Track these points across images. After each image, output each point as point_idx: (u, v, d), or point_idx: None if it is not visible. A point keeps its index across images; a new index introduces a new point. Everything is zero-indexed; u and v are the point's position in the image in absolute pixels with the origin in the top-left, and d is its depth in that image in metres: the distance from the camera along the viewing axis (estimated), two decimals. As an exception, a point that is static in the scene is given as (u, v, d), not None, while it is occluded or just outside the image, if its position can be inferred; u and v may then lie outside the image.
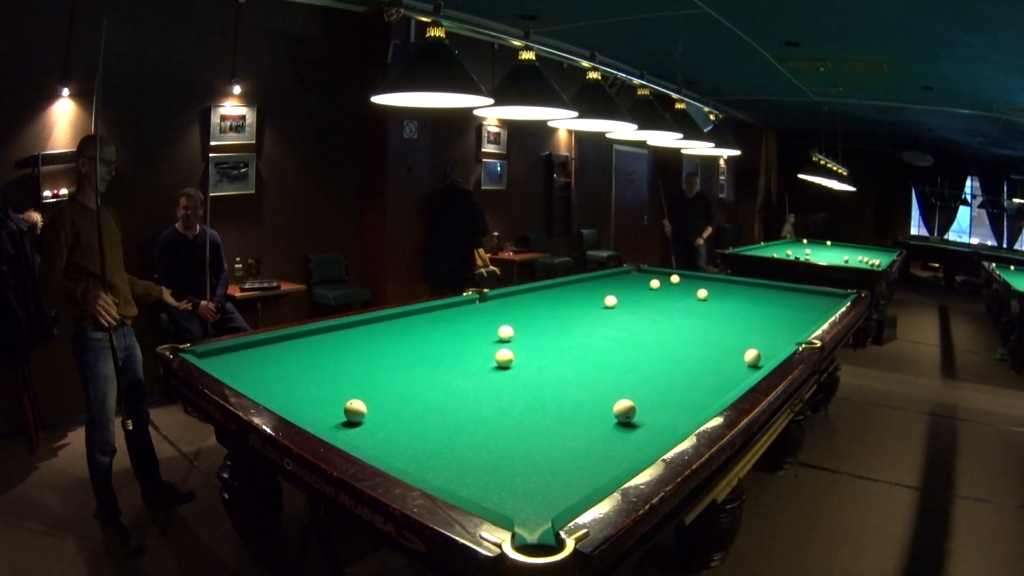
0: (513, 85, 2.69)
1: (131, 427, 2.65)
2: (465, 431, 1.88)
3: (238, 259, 4.80)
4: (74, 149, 3.86)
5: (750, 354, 2.58)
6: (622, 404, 1.94)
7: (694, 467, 1.56)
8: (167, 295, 3.48)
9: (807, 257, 7.04)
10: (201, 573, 2.49)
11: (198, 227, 4.20)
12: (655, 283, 4.53)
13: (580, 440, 1.83)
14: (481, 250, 6.23)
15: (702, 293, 4.11)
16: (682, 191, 7.74)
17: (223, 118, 4.66)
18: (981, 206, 12.81)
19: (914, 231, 13.59)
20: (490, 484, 1.53)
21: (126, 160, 4.17)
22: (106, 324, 2.52)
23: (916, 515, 3.01)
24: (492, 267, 6.34)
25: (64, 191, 3.80)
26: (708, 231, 7.55)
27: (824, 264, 6.49)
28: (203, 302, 4.04)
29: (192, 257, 4.13)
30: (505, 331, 2.90)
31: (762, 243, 9.06)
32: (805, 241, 9.08)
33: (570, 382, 2.37)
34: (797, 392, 2.50)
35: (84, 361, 2.64)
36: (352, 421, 1.89)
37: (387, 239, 5.55)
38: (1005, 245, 12.21)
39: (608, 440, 1.84)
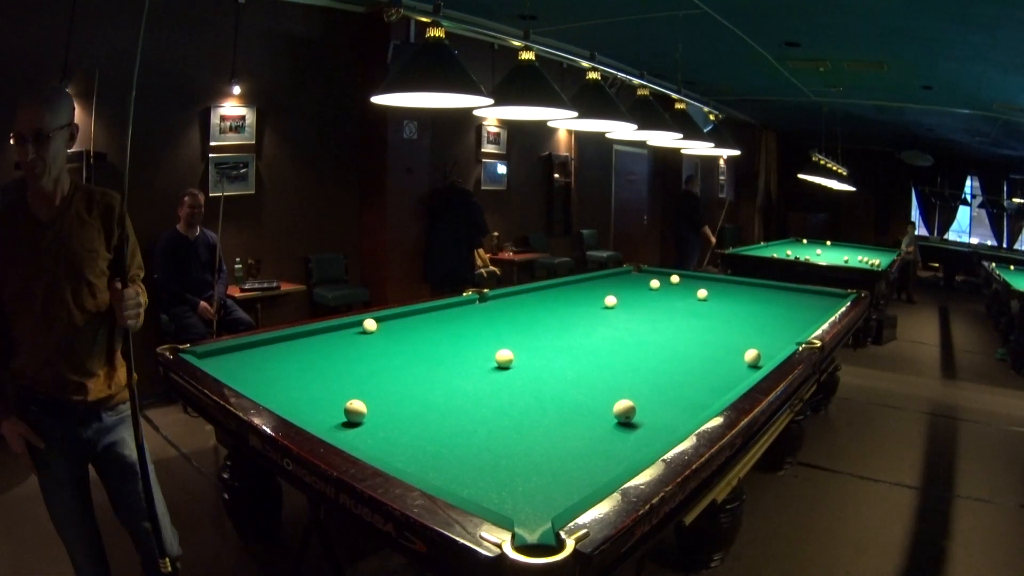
0: (513, 85, 2.69)
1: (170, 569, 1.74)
2: (465, 431, 1.88)
3: (238, 259, 4.80)
4: (75, 150, 3.90)
5: (750, 354, 2.58)
6: (622, 404, 1.94)
7: (694, 467, 1.56)
8: None
9: (818, 256, 7.11)
10: (201, 573, 2.49)
11: (199, 228, 4.21)
12: (655, 283, 4.53)
13: (580, 440, 1.83)
14: (481, 250, 6.23)
15: (702, 293, 4.11)
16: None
17: (223, 118, 4.66)
18: (981, 206, 12.81)
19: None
20: (490, 484, 1.54)
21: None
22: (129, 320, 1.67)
23: (916, 515, 3.01)
24: (492, 267, 6.34)
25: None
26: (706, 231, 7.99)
27: (824, 264, 6.49)
28: (202, 303, 4.05)
29: (193, 258, 4.14)
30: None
31: (762, 243, 9.07)
32: (805, 241, 9.08)
33: (570, 382, 2.37)
34: (797, 392, 2.50)
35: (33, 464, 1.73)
36: (352, 421, 1.89)
37: (387, 239, 5.55)
38: (1005, 245, 12.21)
39: (608, 440, 1.84)
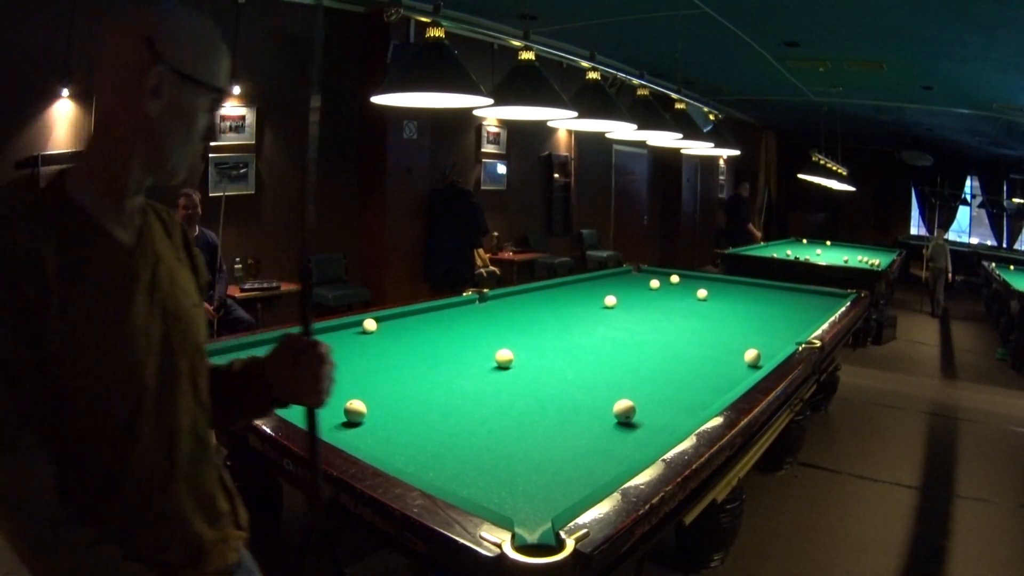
0: (513, 85, 2.69)
1: None
2: (465, 431, 1.88)
3: (238, 259, 4.80)
4: (75, 149, 3.88)
5: (750, 354, 2.58)
6: (622, 404, 1.94)
7: (694, 467, 1.56)
8: None
9: (818, 256, 7.13)
10: (201, 573, 2.49)
11: (197, 228, 4.20)
12: (655, 283, 4.52)
13: (580, 440, 1.83)
14: (481, 250, 6.23)
15: (702, 293, 4.11)
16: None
17: (223, 118, 4.66)
18: (981, 206, 12.82)
19: (914, 231, 13.59)
20: (490, 484, 1.53)
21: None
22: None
23: (916, 515, 3.01)
24: (492, 267, 6.34)
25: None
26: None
27: (823, 264, 6.49)
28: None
29: (193, 257, 4.14)
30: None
31: (762, 243, 9.07)
32: (805, 241, 9.08)
33: (570, 382, 2.37)
34: (797, 392, 2.50)
35: None
36: (352, 421, 1.89)
37: (387, 239, 5.55)
38: (1005, 245, 12.22)
39: (608, 440, 1.83)
